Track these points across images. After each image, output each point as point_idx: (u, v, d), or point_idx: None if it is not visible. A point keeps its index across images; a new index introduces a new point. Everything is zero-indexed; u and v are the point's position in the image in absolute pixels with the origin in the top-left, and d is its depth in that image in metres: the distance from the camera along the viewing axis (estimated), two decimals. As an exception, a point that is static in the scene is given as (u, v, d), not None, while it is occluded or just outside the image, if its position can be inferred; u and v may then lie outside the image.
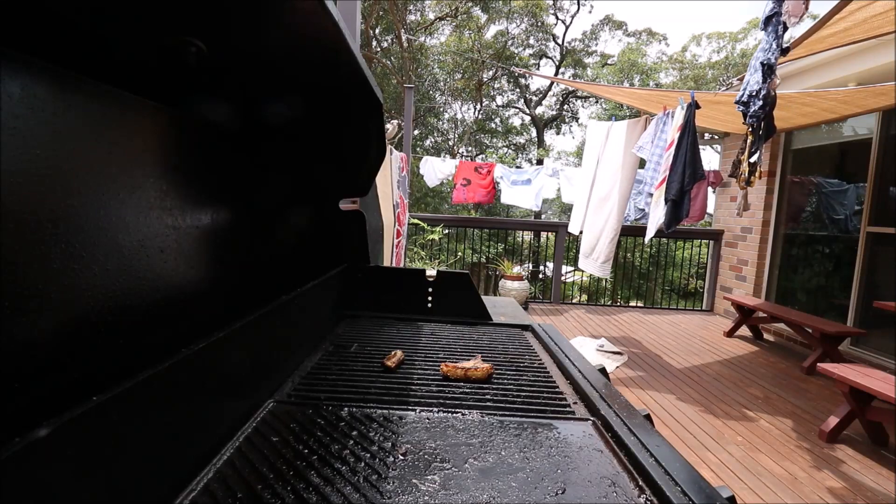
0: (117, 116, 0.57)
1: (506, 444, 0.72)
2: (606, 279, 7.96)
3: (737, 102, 2.79)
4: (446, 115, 16.74)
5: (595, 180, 4.97)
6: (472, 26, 15.56)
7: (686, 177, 3.60)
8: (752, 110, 2.71)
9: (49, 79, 0.46)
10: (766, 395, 3.42)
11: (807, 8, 2.44)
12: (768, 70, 2.59)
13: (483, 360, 1.04)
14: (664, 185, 3.78)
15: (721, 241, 6.23)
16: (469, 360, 1.05)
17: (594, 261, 4.86)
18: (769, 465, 2.47)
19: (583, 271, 7.72)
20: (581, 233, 5.17)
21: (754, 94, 2.69)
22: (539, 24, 16.15)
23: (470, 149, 17.02)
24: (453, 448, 0.70)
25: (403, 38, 14.05)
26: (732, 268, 5.97)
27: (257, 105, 0.90)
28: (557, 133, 18.12)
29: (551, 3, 16.06)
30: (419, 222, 6.38)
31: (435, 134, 17.04)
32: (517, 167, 9.15)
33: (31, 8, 0.42)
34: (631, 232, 6.26)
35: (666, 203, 3.75)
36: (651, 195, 4.08)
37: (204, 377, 0.64)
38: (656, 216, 3.93)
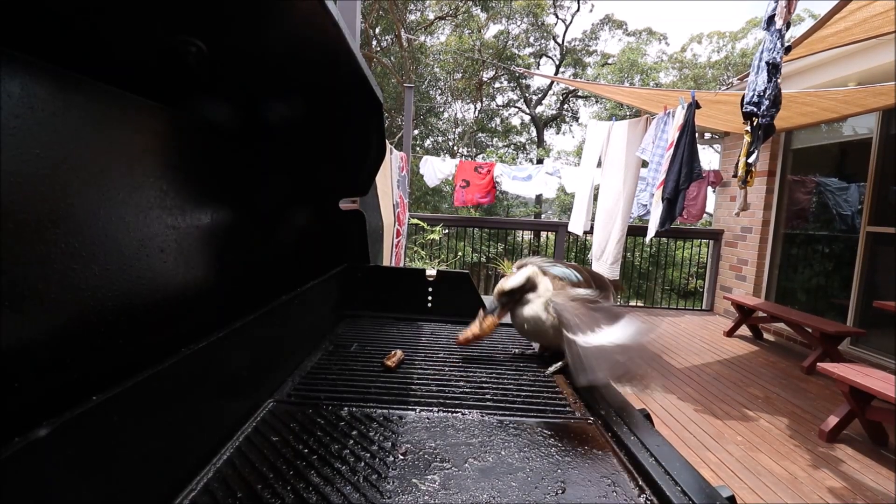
0: (117, 116, 0.57)
1: (506, 443, 0.72)
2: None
3: (747, 104, 2.77)
4: (446, 115, 16.74)
5: (601, 183, 4.99)
6: (473, 26, 15.55)
7: (682, 176, 3.60)
8: (762, 110, 2.71)
9: (49, 79, 0.46)
10: (766, 395, 3.42)
11: (790, 12, 2.45)
12: (773, 69, 2.59)
13: (483, 360, 1.04)
14: (664, 184, 3.78)
15: (721, 240, 6.23)
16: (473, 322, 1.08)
17: (604, 262, 4.89)
18: (769, 464, 2.47)
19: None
20: (586, 234, 5.19)
21: (762, 93, 2.69)
22: (539, 23, 16.16)
23: (470, 149, 17.02)
24: (453, 448, 0.70)
25: (403, 37, 14.03)
26: (732, 267, 5.96)
27: (257, 105, 0.90)
28: (557, 132, 18.14)
29: (551, 2, 16.05)
30: (419, 222, 6.37)
31: (435, 134, 17.04)
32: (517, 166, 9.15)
33: (31, 8, 0.42)
34: (631, 231, 6.23)
35: (662, 202, 3.76)
36: (654, 194, 4.10)
37: (204, 377, 0.63)
38: (656, 216, 3.94)
